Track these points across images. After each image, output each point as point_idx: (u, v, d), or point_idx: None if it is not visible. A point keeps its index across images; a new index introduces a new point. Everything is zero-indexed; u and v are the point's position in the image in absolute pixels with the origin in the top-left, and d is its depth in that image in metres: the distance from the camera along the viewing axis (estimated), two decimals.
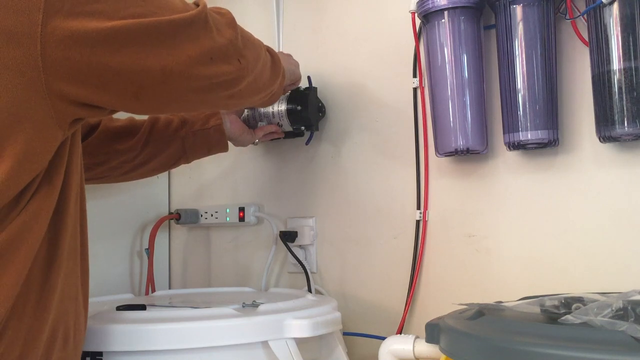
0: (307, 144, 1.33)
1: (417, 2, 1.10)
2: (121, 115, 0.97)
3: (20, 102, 0.68)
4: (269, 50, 1.00)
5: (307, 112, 1.25)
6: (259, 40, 0.96)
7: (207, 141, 1.17)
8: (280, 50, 1.38)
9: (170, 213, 1.50)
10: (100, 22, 0.69)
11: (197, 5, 0.82)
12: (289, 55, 1.18)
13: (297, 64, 1.19)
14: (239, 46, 0.86)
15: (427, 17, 1.09)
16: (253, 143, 1.27)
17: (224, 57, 0.83)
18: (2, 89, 0.67)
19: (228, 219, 1.43)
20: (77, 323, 0.81)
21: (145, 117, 1.17)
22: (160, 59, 0.75)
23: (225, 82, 0.85)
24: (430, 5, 1.08)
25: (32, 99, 0.69)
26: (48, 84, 0.69)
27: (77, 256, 0.82)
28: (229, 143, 1.21)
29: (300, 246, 1.34)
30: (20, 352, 0.71)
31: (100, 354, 0.87)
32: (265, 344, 0.91)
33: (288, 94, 1.27)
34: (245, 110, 1.28)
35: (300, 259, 1.30)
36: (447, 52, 1.08)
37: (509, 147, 1.06)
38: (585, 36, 1.01)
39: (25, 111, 0.69)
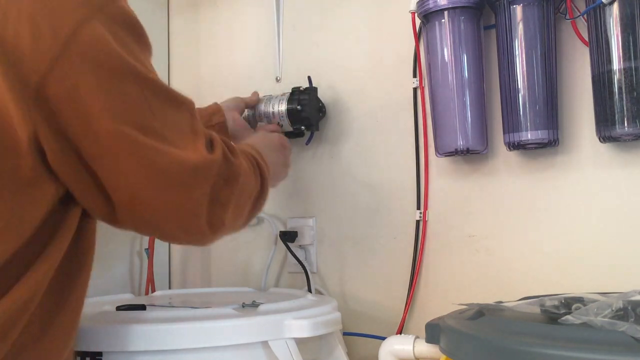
0: (307, 144, 1.33)
1: (417, 2, 1.10)
2: None
3: None
4: (261, 175, 0.86)
5: (307, 112, 1.25)
6: (254, 182, 0.83)
7: None
8: (280, 51, 1.38)
9: None
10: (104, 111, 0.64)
11: (211, 145, 0.74)
12: (283, 147, 1.09)
13: (285, 163, 1.10)
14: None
15: (427, 17, 1.09)
16: None
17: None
18: None
19: None
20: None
21: None
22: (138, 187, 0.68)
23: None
24: (431, 5, 1.08)
25: None
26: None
27: (90, 271, 0.77)
28: None
29: (300, 246, 1.34)
30: None
31: (100, 354, 0.87)
32: (265, 344, 0.91)
33: (288, 94, 1.27)
34: (246, 110, 1.28)
35: (300, 259, 1.30)
36: (447, 52, 1.07)
37: (509, 147, 1.06)
38: (585, 36, 1.01)
39: None
